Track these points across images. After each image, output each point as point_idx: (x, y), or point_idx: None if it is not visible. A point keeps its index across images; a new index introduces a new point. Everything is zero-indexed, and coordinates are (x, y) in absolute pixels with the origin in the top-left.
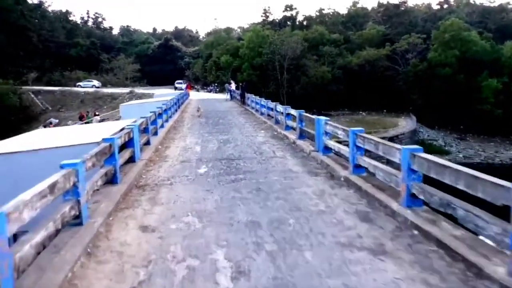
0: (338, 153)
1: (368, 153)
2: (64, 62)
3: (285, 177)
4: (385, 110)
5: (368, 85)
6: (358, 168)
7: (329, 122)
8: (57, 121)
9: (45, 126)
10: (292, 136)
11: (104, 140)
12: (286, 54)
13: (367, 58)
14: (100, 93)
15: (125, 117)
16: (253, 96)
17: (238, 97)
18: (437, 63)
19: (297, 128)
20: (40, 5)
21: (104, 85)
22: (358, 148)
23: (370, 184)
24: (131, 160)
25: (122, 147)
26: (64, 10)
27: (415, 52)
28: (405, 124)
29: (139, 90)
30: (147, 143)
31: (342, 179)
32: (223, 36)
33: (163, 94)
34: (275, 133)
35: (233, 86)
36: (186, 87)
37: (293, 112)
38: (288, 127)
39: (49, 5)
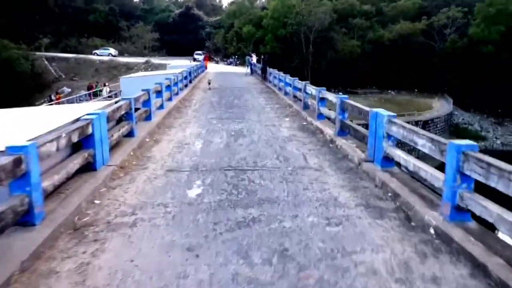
0: (410, 172)
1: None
2: (82, 28)
3: (329, 218)
4: (416, 90)
5: (400, 62)
6: (461, 212)
7: (397, 121)
8: (69, 90)
9: (50, 99)
10: (329, 130)
11: (9, 149)
12: (313, 26)
13: (400, 32)
14: (115, 62)
15: (126, 91)
16: (276, 72)
17: (259, 72)
18: (479, 40)
19: (336, 120)
20: None
21: (121, 53)
22: (465, 177)
23: (501, 259)
24: (90, 167)
25: (76, 148)
26: None
27: (454, 27)
28: (440, 106)
29: (155, 60)
30: (130, 134)
31: (433, 231)
32: (246, 6)
33: (177, 66)
34: (304, 123)
35: (254, 59)
36: (204, 59)
37: (330, 97)
38: (321, 116)
39: None
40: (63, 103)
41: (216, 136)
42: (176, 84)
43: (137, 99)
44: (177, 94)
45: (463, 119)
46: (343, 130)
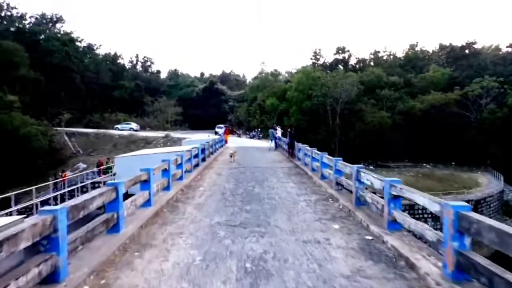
0: None
1: None
2: (107, 104)
3: None
4: (453, 163)
5: (433, 133)
6: None
7: None
8: (85, 166)
9: (55, 177)
10: (426, 262)
11: None
12: (340, 98)
13: (433, 102)
14: (134, 136)
15: (121, 173)
16: (307, 148)
17: (285, 147)
18: None
19: (447, 250)
20: (90, 47)
21: (143, 128)
22: None
23: None
24: None
25: None
26: (113, 53)
27: (489, 98)
28: (487, 182)
29: (176, 134)
30: (51, 278)
31: None
32: (269, 79)
33: (194, 140)
34: (368, 237)
35: (278, 132)
36: (224, 132)
37: (420, 199)
38: (395, 225)
39: (97, 48)
40: (69, 181)
41: (217, 276)
42: (180, 166)
43: (79, 206)
44: (181, 178)
45: None
46: (466, 271)
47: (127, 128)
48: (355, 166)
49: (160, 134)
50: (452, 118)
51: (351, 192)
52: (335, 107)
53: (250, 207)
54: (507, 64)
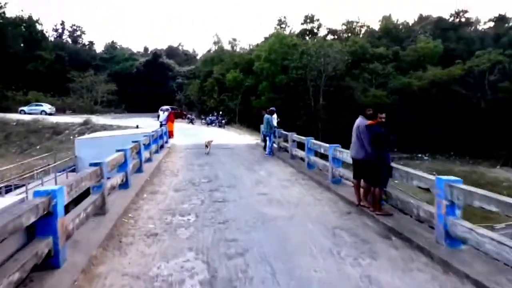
0: None
1: None
2: (17, 80)
3: None
4: (452, 153)
5: (431, 117)
6: None
7: None
8: None
9: None
10: None
11: None
12: (325, 71)
13: (433, 79)
14: (39, 123)
15: None
16: None
17: (293, 151)
18: None
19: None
20: None
21: (63, 110)
22: None
23: None
24: None
25: None
26: (26, 16)
27: (496, 74)
28: None
29: (103, 119)
30: None
31: None
32: (227, 52)
33: (98, 139)
34: None
35: (274, 121)
36: (167, 118)
37: None
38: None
39: (2, 6)
40: None
41: None
42: None
43: None
44: None
45: None
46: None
47: (38, 111)
48: None
49: (77, 120)
50: (456, 98)
51: None
52: (318, 83)
53: None
54: (494, 38)
